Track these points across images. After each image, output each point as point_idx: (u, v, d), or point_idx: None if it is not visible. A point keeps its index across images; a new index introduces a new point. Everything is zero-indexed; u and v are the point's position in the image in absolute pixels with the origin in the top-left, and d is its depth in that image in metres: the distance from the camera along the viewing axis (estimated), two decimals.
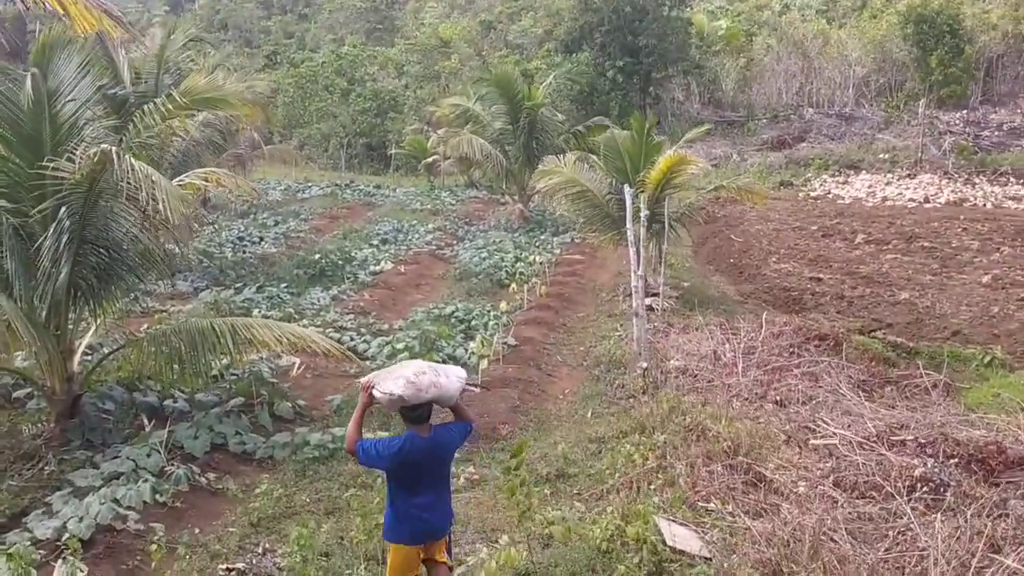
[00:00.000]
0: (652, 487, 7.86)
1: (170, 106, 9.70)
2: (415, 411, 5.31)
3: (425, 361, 5.71)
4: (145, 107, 9.77)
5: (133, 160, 7.97)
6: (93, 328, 10.47)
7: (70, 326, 9.47)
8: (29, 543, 7.15)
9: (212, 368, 10.08)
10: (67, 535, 7.02)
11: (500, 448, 9.78)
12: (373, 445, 5.34)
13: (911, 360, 12.55)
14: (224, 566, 7.14)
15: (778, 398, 10.27)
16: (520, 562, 6.50)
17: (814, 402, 9.98)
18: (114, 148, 7.99)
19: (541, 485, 8.58)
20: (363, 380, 5.46)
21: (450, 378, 5.42)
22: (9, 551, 6.65)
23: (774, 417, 9.46)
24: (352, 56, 47.05)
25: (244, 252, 20.16)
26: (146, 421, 9.78)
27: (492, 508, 8.19)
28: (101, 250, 9.31)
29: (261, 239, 21.83)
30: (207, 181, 10.45)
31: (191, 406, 10.33)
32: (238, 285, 16.74)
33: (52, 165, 7.98)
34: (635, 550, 6.56)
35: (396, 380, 5.23)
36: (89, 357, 10.41)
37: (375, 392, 5.28)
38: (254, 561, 7.26)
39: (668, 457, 8.36)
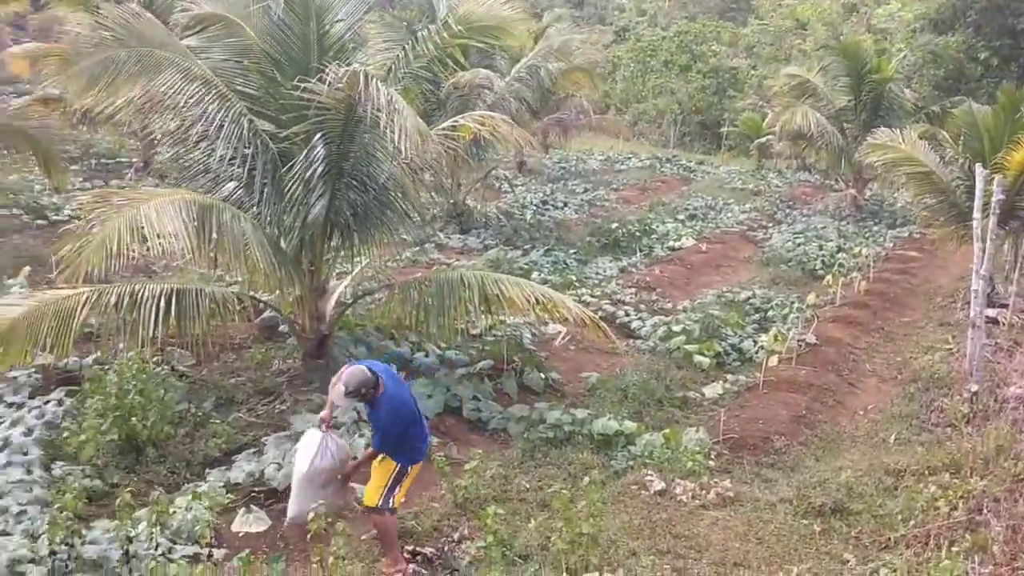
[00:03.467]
0: (955, 548, 5.86)
1: (444, 34, 8.97)
2: (365, 389, 5.62)
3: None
4: (418, 34, 9.12)
5: (379, 84, 7.26)
6: (357, 269, 10.15)
7: (326, 263, 9.11)
8: (222, 485, 6.79)
9: (461, 322, 9.33)
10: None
11: (769, 463, 8.08)
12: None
13: None
14: (411, 547, 6.25)
15: None
16: None
17: None
18: (363, 70, 7.33)
19: (811, 519, 6.86)
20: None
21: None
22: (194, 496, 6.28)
23: None
24: (696, 31, 45.28)
25: (543, 215, 19.58)
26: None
27: (742, 537, 6.61)
28: (359, 186, 8.82)
29: (565, 204, 21.18)
30: (482, 125, 9.72)
31: (440, 363, 9.66)
32: (527, 247, 16.11)
33: (304, 85, 7.48)
34: None
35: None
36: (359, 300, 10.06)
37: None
38: (445, 549, 6.30)
39: (984, 511, 6.28)
